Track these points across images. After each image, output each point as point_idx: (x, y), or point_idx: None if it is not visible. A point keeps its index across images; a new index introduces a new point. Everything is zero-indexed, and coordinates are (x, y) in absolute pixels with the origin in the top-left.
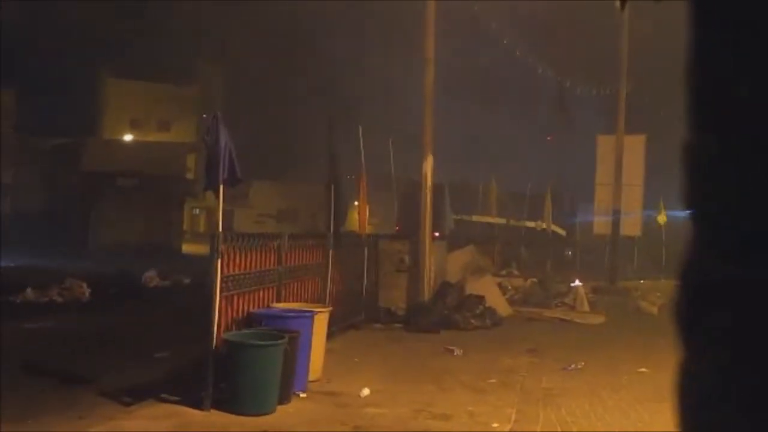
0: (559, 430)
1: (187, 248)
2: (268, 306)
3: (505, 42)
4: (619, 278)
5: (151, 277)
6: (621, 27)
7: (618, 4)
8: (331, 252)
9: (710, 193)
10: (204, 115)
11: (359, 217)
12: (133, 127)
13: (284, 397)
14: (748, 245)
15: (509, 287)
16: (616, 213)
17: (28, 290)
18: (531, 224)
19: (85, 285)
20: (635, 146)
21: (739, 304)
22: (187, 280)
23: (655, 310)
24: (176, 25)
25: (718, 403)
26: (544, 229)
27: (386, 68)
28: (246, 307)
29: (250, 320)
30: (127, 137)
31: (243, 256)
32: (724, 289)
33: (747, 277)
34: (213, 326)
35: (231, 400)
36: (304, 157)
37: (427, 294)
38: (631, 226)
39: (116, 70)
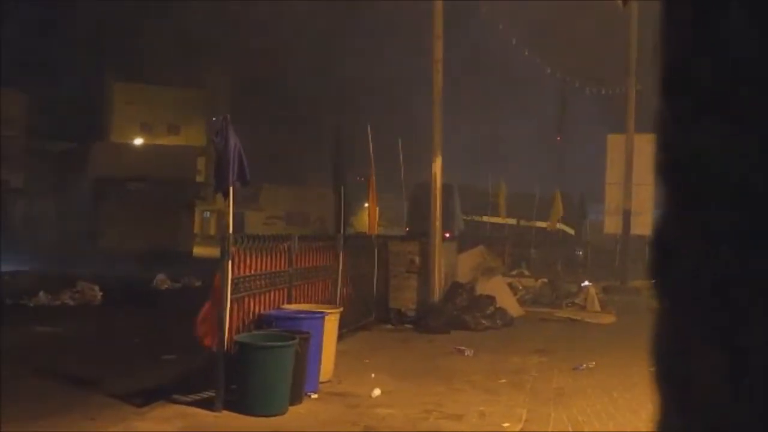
0: (570, 429)
1: (197, 251)
2: (278, 307)
3: (513, 42)
4: (631, 278)
5: (162, 280)
6: (630, 25)
7: (620, 2)
8: (341, 253)
9: (708, 191)
10: (213, 118)
11: (369, 218)
12: (143, 130)
13: (295, 398)
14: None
15: (520, 287)
16: (627, 212)
17: (41, 294)
18: (542, 224)
19: (96, 288)
20: (645, 145)
21: (739, 304)
22: (198, 283)
23: None
24: (186, 29)
25: (720, 404)
26: (555, 229)
27: (397, 69)
28: (257, 309)
29: (260, 322)
30: (137, 141)
31: (253, 257)
32: (729, 288)
33: (747, 277)
34: (224, 328)
35: (242, 402)
36: (314, 159)
37: (437, 295)
38: (642, 225)
39: (126, 74)
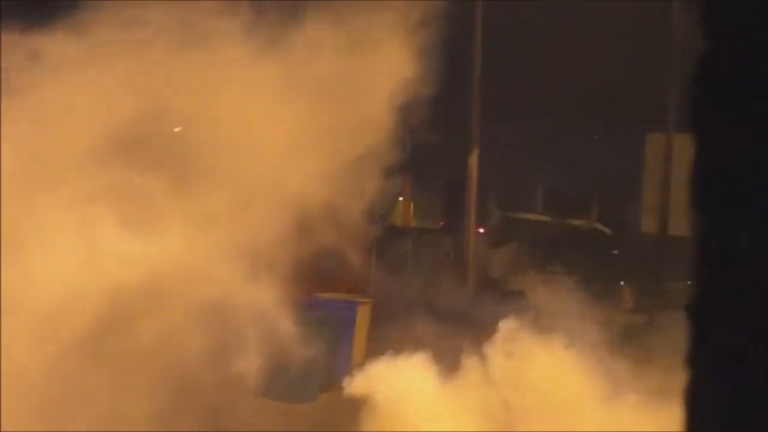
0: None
1: None
2: (312, 294)
3: (554, 40)
4: (666, 279)
5: None
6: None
7: None
8: (374, 244)
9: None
10: None
11: (403, 210)
12: None
13: (326, 386)
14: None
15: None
16: (665, 213)
17: None
18: (577, 222)
19: None
20: (685, 145)
21: None
22: None
23: None
24: None
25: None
26: (592, 228)
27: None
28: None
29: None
30: None
31: None
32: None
33: None
34: None
35: (272, 387)
36: None
37: (470, 289)
38: (680, 226)
39: None
